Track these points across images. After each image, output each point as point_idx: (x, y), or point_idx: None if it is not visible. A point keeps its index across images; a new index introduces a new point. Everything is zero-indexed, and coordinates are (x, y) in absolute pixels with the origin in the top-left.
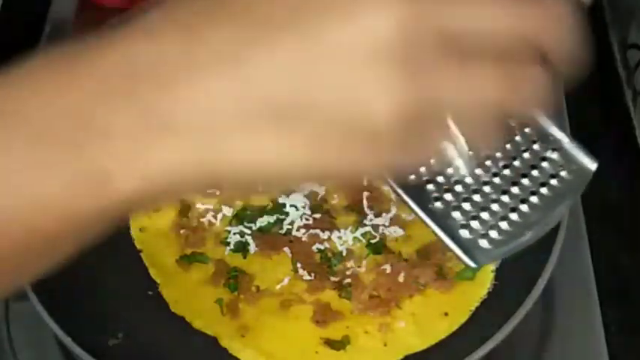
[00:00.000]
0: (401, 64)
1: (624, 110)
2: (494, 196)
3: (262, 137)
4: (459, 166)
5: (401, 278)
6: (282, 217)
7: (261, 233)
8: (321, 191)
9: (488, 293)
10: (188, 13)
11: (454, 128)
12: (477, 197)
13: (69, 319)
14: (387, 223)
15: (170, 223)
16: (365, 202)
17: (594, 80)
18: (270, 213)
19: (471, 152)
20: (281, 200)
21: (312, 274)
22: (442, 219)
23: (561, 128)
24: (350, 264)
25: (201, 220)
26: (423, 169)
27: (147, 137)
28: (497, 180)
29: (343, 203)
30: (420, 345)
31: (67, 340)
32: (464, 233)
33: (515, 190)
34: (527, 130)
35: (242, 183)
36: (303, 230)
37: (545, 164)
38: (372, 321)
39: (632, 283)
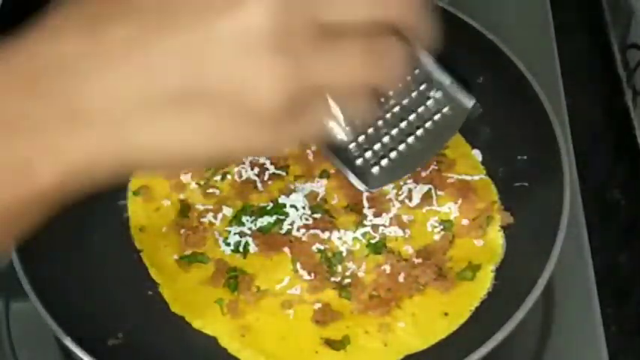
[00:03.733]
0: (280, 52)
1: (624, 110)
2: (385, 131)
3: (165, 122)
4: (339, 134)
5: (401, 278)
6: (282, 217)
7: (261, 233)
8: (321, 191)
9: (488, 293)
10: (88, 14)
11: (331, 102)
12: (370, 131)
13: (69, 319)
14: (387, 223)
15: (170, 223)
16: (365, 202)
17: (594, 80)
18: (270, 213)
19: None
20: (281, 200)
21: (312, 274)
22: (339, 151)
23: (443, 73)
24: (350, 264)
25: (201, 220)
26: None
27: (59, 128)
28: (388, 116)
29: (343, 203)
30: (420, 345)
31: (67, 340)
32: (358, 162)
33: (403, 125)
34: (416, 72)
35: (152, 166)
36: (303, 230)
37: (429, 102)
38: (372, 321)
39: (632, 283)
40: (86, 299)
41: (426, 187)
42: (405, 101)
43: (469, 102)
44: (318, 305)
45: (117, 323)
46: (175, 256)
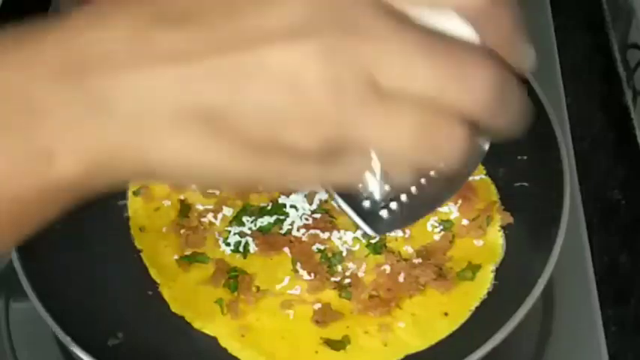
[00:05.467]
0: (329, 98)
1: (624, 110)
2: None
3: (191, 138)
4: (373, 189)
5: (401, 278)
6: (282, 217)
7: (261, 233)
8: (322, 191)
9: (488, 293)
10: (141, 11)
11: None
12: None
13: (69, 319)
14: None
15: (170, 223)
16: None
17: (594, 80)
18: (270, 213)
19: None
20: (281, 200)
21: (312, 274)
22: (347, 191)
23: None
24: (350, 264)
25: (201, 220)
26: None
27: (86, 118)
28: None
29: None
30: (420, 345)
31: (67, 340)
32: (366, 204)
33: None
34: None
35: (172, 176)
36: (303, 230)
37: None
38: (372, 321)
39: (632, 283)
40: (86, 299)
41: None
42: None
43: (485, 144)
44: (318, 305)
45: (117, 323)
46: (175, 256)
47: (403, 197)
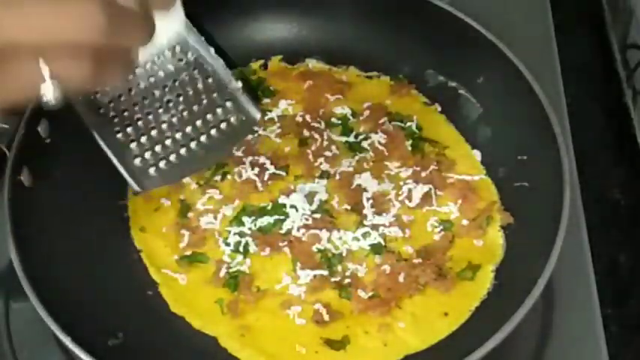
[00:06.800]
0: None
1: (624, 110)
2: (169, 134)
3: None
4: (46, 92)
5: (401, 278)
6: (282, 217)
7: (261, 233)
8: (322, 192)
9: (488, 293)
10: None
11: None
12: (154, 133)
13: (69, 319)
14: (387, 224)
15: (170, 223)
16: (365, 202)
17: (594, 80)
18: (270, 213)
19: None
20: (281, 200)
21: (312, 275)
22: (120, 148)
23: (237, 83)
24: (350, 264)
25: (201, 220)
26: (111, 104)
27: None
28: (174, 120)
29: (343, 203)
30: (420, 345)
31: (67, 340)
32: (136, 162)
33: (188, 129)
34: (209, 80)
35: None
36: (303, 230)
37: (219, 110)
38: (372, 321)
39: (632, 283)
40: (86, 299)
41: (426, 187)
42: (194, 107)
43: (257, 114)
44: (318, 305)
45: (117, 323)
46: (175, 256)
47: (173, 157)
